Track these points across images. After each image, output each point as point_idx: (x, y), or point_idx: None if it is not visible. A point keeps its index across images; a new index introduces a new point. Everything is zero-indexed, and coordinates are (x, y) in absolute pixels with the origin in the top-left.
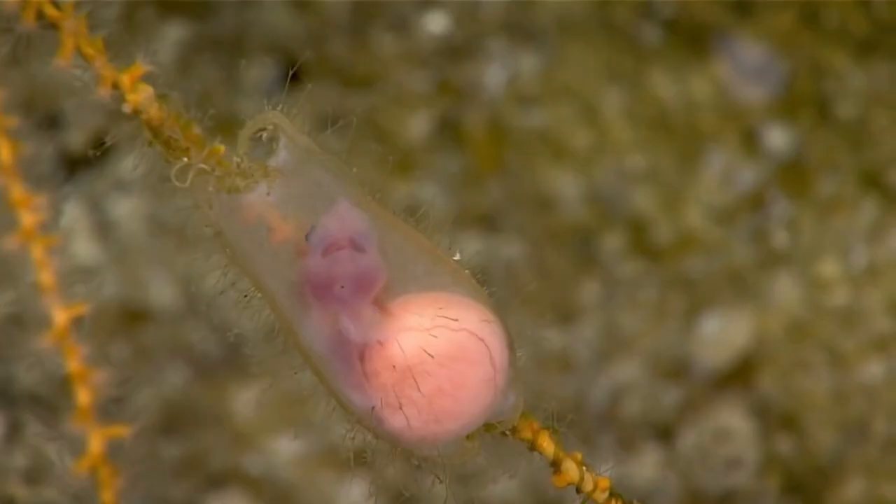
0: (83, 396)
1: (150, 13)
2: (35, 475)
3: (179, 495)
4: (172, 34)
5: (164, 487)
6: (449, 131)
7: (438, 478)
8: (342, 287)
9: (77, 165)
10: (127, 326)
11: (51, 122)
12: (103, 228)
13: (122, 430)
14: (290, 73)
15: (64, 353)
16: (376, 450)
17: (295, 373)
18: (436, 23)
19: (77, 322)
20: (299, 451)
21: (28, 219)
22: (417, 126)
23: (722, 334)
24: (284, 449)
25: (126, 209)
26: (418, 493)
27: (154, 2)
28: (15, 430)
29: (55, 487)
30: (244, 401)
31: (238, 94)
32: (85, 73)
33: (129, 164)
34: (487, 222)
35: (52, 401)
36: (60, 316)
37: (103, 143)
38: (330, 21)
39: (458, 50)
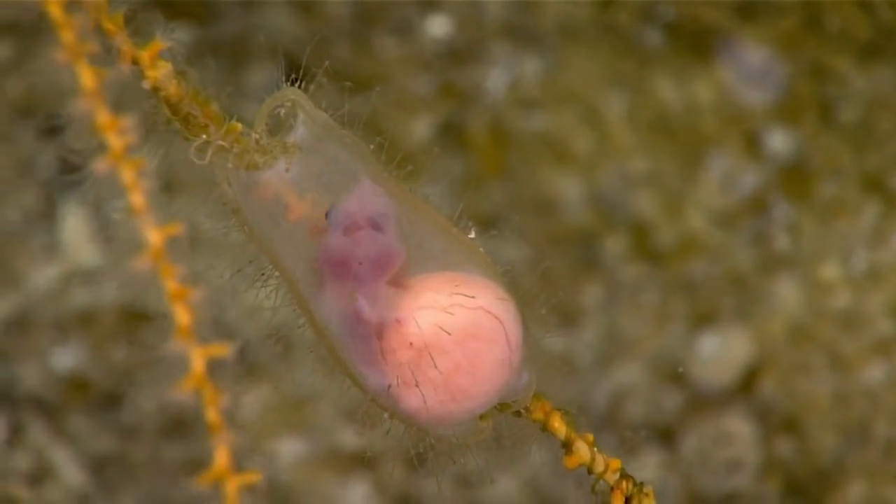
0: (182, 316)
1: (154, 16)
2: (38, 477)
3: (181, 497)
4: (176, 38)
5: (166, 489)
6: (451, 135)
7: (438, 480)
8: (360, 265)
9: (79, 169)
10: (129, 329)
11: (52, 125)
12: (105, 231)
13: (223, 350)
14: (295, 77)
15: (161, 274)
16: (380, 447)
17: (310, 351)
18: (438, 26)
19: (173, 243)
20: (301, 453)
21: (116, 142)
22: (420, 129)
23: (723, 352)
24: (286, 451)
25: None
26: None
27: (158, 5)
28: (17, 433)
29: (58, 490)
30: (246, 403)
31: (241, 98)
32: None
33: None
34: (490, 225)
35: (54, 403)
36: (155, 237)
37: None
38: (333, 24)
39: (460, 53)
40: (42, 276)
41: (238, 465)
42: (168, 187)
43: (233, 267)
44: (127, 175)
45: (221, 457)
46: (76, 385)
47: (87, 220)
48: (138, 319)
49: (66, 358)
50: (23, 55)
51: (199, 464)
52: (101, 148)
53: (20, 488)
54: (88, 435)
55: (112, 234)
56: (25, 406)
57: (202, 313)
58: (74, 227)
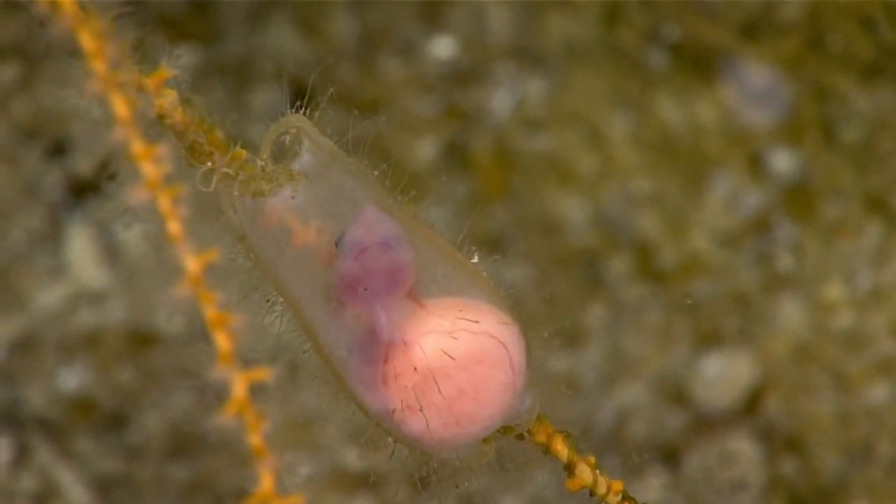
0: (223, 342)
1: (159, 41)
2: (44, 498)
3: None
4: (180, 60)
5: None
6: (456, 156)
7: (441, 502)
8: (374, 281)
9: (84, 190)
10: (135, 350)
11: (58, 147)
12: (111, 253)
13: (264, 374)
14: (300, 102)
15: (200, 300)
16: (384, 469)
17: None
18: (443, 48)
19: (209, 270)
20: (307, 473)
21: (151, 170)
22: (424, 150)
23: (726, 373)
24: (292, 471)
25: (134, 233)
26: None
27: (162, 25)
28: (23, 454)
29: None
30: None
31: (246, 120)
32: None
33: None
34: (493, 246)
35: (60, 424)
36: (193, 264)
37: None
38: (337, 46)
39: (464, 75)
40: (48, 298)
41: (244, 487)
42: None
43: (239, 293)
44: (163, 203)
45: (266, 481)
46: (82, 406)
47: (93, 241)
48: (144, 341)
49: (72, 379)
50: (28, 77)
51: (203, 484)
52: (137, 177)
53: None
54: (94, 456)
55: (118, 257)
56: (31, 427)
57: (241, 338)
58: (80, 248)
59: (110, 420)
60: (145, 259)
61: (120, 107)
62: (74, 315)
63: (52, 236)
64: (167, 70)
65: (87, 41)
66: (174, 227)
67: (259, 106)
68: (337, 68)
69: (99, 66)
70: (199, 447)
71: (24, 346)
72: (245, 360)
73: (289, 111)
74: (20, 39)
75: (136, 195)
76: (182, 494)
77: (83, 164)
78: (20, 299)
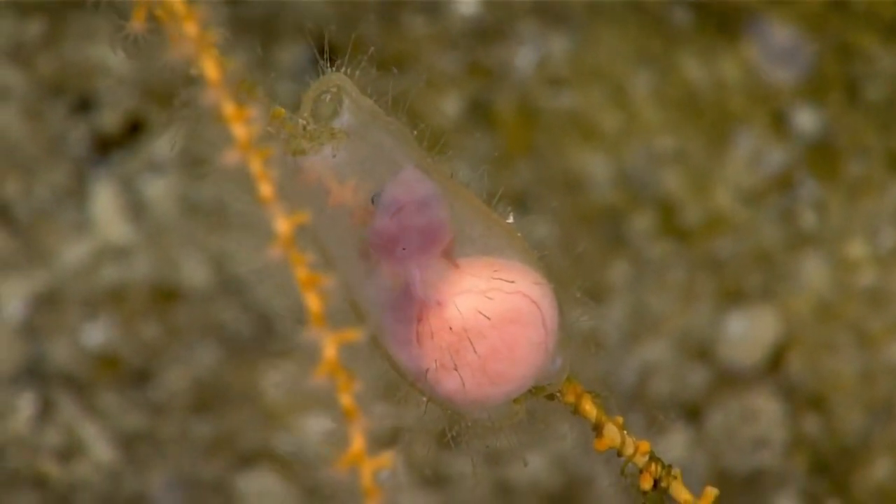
0: (314, 303)
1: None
2: (68, 453)
3: (210, 474)
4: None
5: (195, 466)
6: (479, 113)
7: (473, 460)
8: (410, 239)
9: (110, 146)
10: (159, 306)
11: (83, 103)
12: (136, 209)
13: (355, 334)
14: (330, 58)
15: (291, 262)
16: (415, 427)
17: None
18: (467, 5)
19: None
20: (330, 430)
21: (242, 132)
22: (448, 107)
23: (750, 332)
24: (315, 428)
25: (159, 190)
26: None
27: None
28: (48, 409)
29: (88, 466)
30: (275, 380)
31: (270, 78)
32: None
33: (162, 145)
34: (517, 203)
35: (84, 379)
36: (284, 226)
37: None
38: (361, 3)
39: (488, 32)
40: (72, 253)
41: (267, 443)
42: (198, 164)
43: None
44: (255, 165)
45: (357, 441)
46: (106, 361)
47: (118, 196)
48: (168, 296)
49: (96, 334)
50: (53, 33)
51: (227, 440)
52: (228, 139)
53: (50, 464)
54: (118, 411)
55: (143, 213)
56: (55, 382)
57: (332, 299)
58: (105, 204)
59: (134, 376)
60: (170, 215)
61: (210, 68)
62: (99, 271)
63: (77, 192)
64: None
65: (177, 3)
66: (265, 189)
67: (283, 64)
68: (361, 25)
69: (191, 28)
70: (223, 403)
71: (49, 301)
72: (264, 316)
73: (329, 70)
74: None
75: (227, 157)
76: (205, 450)
77: (108, 120)
78: (45, 255)
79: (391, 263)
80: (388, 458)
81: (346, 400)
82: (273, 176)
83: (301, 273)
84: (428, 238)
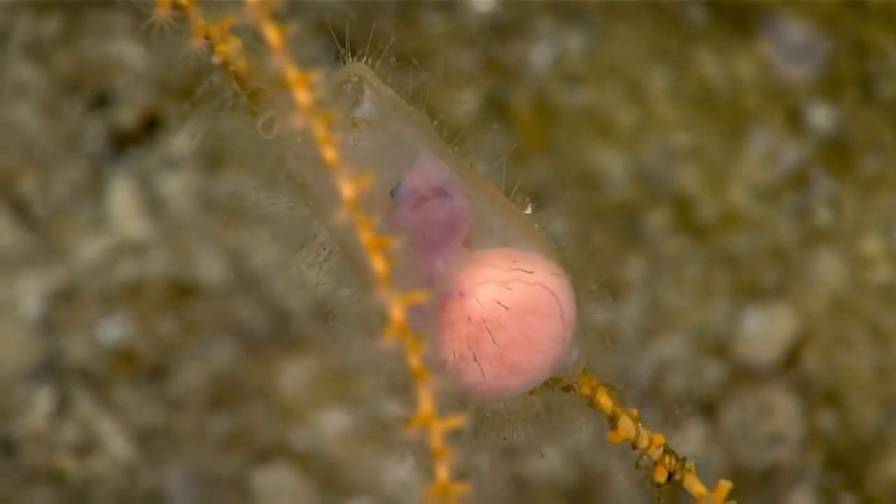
0: (381, 265)
1: None
2: (84, 449)
3: (226, 469)
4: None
5: (211, 461)
6: (496, 110)
7: (491, 454)
8: (432, 231)
9: (126, 143)
10: (175, 302)
11: (100, 99)
12: (153, 205)
13: (421, 296)
14: (350, 52)
15: (357, 225)
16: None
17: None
18: (483, 3)
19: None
20: (347, 425)
21: (305, 97)
22: (464, 104)
23: (766, 329)
24: (332, 423)
25: (175, 186)
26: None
27: None
28: (64, 405)
29: (105, 461)
30: (292, 376)
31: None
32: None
33: (178, 142)
34: (533, 200)
35: (101, 375)
36: (349, 190)
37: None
38: (379, 1)
39: (504, 29)
40: (89, 249)
41: (284, 439)
42: (215, 160)
43: (297, 241)
44: (319, 129)
45: (426, 403)
46: (123, 357)
47: (135, 193)
48: (185, 292)
49: (113, 330)
50: (71, 30)
51: (243, 436)
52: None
53: (67, 460)
54: (135, 407)
55: (160, 209)
56: (72, 378)
57: (398, 263)
58: (122, 200)
59: (151, 371)
60: (187, 211)
61: (273, 34)
62: (116, 267)
63: (94, 188)
64: (231, 17)
65: None
66: (329, 153)
67: (300, 59)
68: (378, 21)
69: None
70: (239, 399)
71: (66, 297)
72: (281, 311)
73: (351, 59)
74: None
75: (293, 121)
76: (222, 446)
77: (125, 117)
78: (62, 251)
79: (413, 254)
80: (458, 419)
81: (413, 362)
82: (337, 140)
83: (367, 236)
84: (449, 229)
